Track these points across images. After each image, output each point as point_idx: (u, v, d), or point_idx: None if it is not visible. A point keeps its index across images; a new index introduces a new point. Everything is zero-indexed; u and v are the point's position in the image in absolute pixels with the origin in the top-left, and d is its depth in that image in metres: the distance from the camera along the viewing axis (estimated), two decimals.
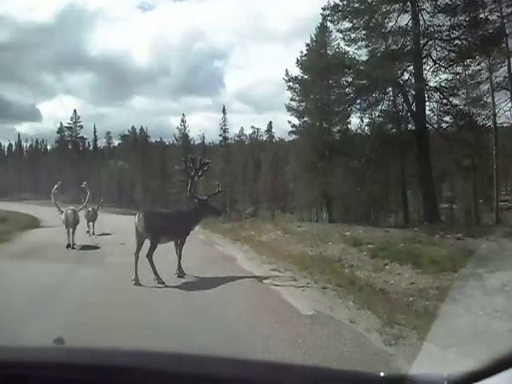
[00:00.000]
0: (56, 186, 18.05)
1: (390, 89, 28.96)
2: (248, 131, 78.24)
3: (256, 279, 10.41)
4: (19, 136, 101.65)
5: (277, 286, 9.61)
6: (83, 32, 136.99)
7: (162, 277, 9.93)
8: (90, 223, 20.09)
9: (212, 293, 9.03)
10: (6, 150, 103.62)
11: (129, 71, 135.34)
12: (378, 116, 29.90)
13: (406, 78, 28.27)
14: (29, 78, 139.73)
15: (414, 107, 27.64)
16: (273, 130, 76.10)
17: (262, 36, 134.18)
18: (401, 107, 29.07)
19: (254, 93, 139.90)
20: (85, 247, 15.82)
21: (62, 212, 16.58)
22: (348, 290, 9.00)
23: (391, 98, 29.55)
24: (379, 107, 29.87)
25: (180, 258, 10.84)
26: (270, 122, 77.41)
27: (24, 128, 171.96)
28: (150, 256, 10.06)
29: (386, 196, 36.92)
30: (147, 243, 10.28)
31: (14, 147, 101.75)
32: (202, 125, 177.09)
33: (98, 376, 1.69)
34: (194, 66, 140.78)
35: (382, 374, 1.95)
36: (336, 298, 8.54)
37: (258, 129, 77.04)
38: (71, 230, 15.94)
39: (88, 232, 19.72)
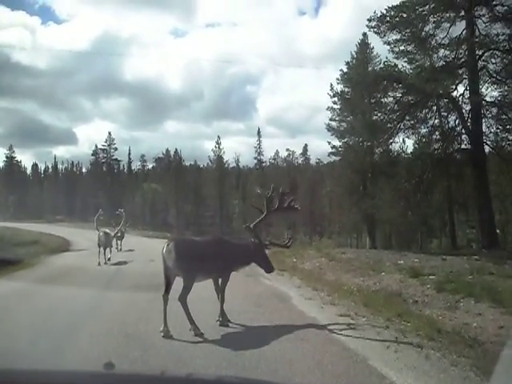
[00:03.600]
0: (99, 213, 21.02)
1: (441, 105, 26.95)
2: (282, 154, 77.17)
3: (325, 331, 7.91)
4: (55, 159, 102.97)
5: (356, 343, 7.12)
6: (118, 58, 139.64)
7: (198, 325, 7.65)
8: (119, 241, 23.68)
9: (270, 354, 6.47)
10: (42, 172, 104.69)
11: (162, 96, 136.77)
12: (429, 134, 27.74)
13: (461, 92, 26.08)
14: (66, 102, 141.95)
15: (469, 124, 25.43)
16: (308, 153, 74.90)
17: (294, 60, 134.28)
18: (453, 124, 26.93)
19: (287, 117, 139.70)
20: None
21: (98, 231, 19.11)
22: (442, 343, 6.90)
23: (442, 115, 27.51)
24: (428, 125, 27.89)
25: (223, 301, 8.54)
26: (306, 145, 76.98)
27: (60, 151, 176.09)
28: (183, 299, 7.69)
29: (436, 220, 34.85)
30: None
31: (50, 170, 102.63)
32: (235, 149, 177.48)
33: None
34: (226, 90, 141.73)
35: None
36: (444, 363, 6.22)
37: (293, 151, 75.88)
38: (104, 249, 18.30)
39: (116, 249, 22.70)
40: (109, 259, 18.27)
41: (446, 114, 27.52)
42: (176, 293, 7.82)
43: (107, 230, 19.31)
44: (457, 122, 26.58)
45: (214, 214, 66.35)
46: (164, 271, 8.04)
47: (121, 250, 23.58)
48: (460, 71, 25.63)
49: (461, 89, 26.06)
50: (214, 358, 6.30)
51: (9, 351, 6.34)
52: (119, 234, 22.52)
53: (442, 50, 25.96)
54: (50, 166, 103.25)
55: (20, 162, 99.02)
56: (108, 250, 18.56)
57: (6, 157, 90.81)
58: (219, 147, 69.47)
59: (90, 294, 11.29)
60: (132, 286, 12.46)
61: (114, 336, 7.52)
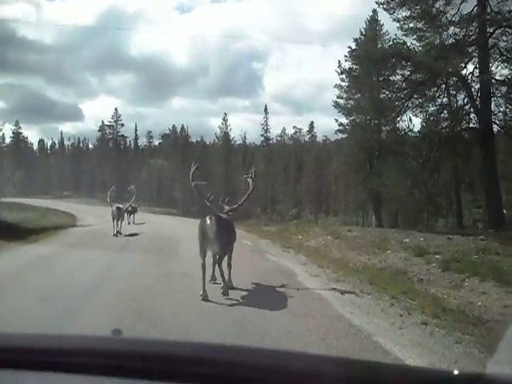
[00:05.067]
0: (111, 189, 22.66)
1: (450, 83, 26.65)
2: (289, 132, 76.82)
3: (330, 308, 7.91)
4: (62, 135, 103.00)
5: (361, 319, 7.09)
6: (123, 34, 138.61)
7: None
8: (131, 215, 25.90)
9: (274, 330, 6.41)
10: (48, 148, 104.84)
11: (168, 72, 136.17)
12: (437, 112, 27.46)
13: (470, 70, 25.75)
14: (72, 78, 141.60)
15: (478, 103, 25.16)
16: (314, 131, 74.58)
17: (300, 37, 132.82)
18: (462, 103, 26.64)
19: (293, 94, 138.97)
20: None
21: (112, 206, 20.62)
22: (447, 321, 6.90)
23: (451, 93, 27.20)
24: (437, 103, 27.62)
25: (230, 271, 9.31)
26: (312, 122, 76.62)
27: (66, 127, 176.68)
28: (221, 264, 8.78)
29: (442, 199, 34.68)
30: None
31: (56, 146, 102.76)
32: (241, 126, 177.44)
33: (157, 366, 1.66)
34: (232, 67, 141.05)
35: (456, 371, 1.78)
36: (448, 340, 6.22)
37: (299, 129, 75.53)
38: (117, 221, 19.97)
39: (128, 223, 24.44)
40: (119, 232, 19.86)
41: (454, 92, 27.19)
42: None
43: (120, 205, 20.91)
44: (465, 100, 26.25)
45: (219, 191, 66.33)
46: (202, 242, 8.83)
47: (134, 223, 25.83)
48: (470, 49, 25.23)
49: (470, 67, 25.73)
50: (219, 332, 6.35)
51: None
52: (130, 209, 24.73)
53: (452, 28, 25.48)
54: (56, 142, 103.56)
55: (26, 137, 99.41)
56: (120, 222, 20.23)
57: (13, 132, 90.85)
58: (226, 124, 69.29)
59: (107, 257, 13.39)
60: (143, 251, 14.45)
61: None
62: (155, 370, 1.67)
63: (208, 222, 8.83)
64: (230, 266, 9.33)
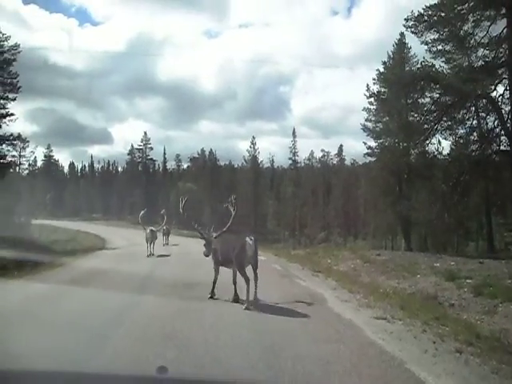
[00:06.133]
0: (142, 212, 22.88)
1: (479, 105, 26.46)
2: (316, 155, 76.64)
3: (361, 334, 7.82)
4: (92, 158, 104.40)
5: (393, 346, 6.97)
6: (152, 59, 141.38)
7: None
8: (165, 236, 27.40)
9: (306, 355, 6.40)
10: (79, 171, 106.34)
11: (196, 96, 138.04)
12: (467, 135, 27.26)
13: (500, 92, 25.56)
14: (101, 102, 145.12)
15: (508, 125, 24.91)
16: (343, 154, 74.34)
17: (327, 60, 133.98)
18: (492, 125, 26.39)
19: (320, 117, 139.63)
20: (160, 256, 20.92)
21: (145, 229, 21.52)
22: (481, 349, 6.73)
23: (480, 115, 26.99)
24: (466, 126, 27.44)
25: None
26: (341, 146, 76.31)
27: (96, 150, 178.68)
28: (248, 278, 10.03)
29: (472, 223, 34.18)
30: None
31: (86, 168, 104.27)
32: (268, 149, 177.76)
33: None
34: (260, 90, 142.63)
35: None
36: (484, 369, 6.04)
37: (327, 152, 75.29)
38: (151, 244, 21.21)
39: (163, 244, 26.22)
40: (152, 252, 21.18)
41: (484, 114, 27.06)
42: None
43: (153, 228, 22.09)
44: (496, 122, 26.14)
45: (248, 214, 66.36)
46: (245, 260, 10.18)
47: (168, 244, 27.37)
48: (500, 71, 25.15)
49: (500, 89, 25.69)
50: (251, 359, 6.24)
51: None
52: (165, 231, 26.80)
53: (482, 50, 25.58)
54: (86, 165, 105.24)
55: (57, 160, 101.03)
56: (153, 244, 21.48)
57: (45, 156, 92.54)
58: (254, 147, 69.48)
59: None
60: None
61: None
62: None
63: (250, 242, 10.23)
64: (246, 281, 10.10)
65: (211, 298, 10.40)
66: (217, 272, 10.67)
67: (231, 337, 7.42)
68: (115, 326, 7.96)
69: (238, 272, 10.23)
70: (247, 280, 9.94)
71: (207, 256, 10.68)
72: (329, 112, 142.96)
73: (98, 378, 1.98)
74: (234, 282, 10.42)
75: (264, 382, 1.77)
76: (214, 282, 10.56)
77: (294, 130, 74.14)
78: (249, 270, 10.28)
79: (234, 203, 11.20)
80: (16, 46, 32.48)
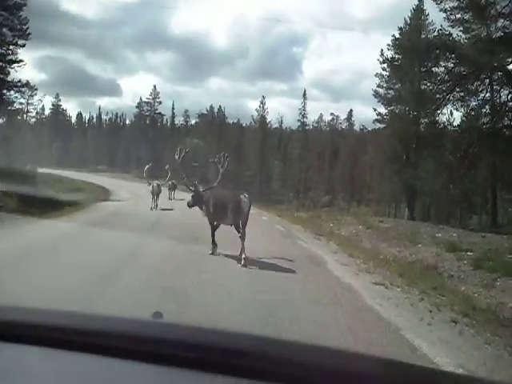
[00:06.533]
0: (147, 166, 22.55)
1: (494, 78, 26.10)
2: (326, 118, 76.23)
3: (359, 298, 7.88)
4: (100, 109, 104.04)
5: (390, 312, 7.02)
6: (165, 12, 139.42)
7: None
8: (172, 191, 27.90)
9: (303, 317, 6.50)
10: (86, 122, 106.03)
11: (207, 52, 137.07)
12: (479, 107, 26.98)
13: None
14: (111, 54, 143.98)
15: None
16: (352, 119, 73.88)
17: (341, 23, 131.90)
18: (505, 98, 26.09)
19: (332, 80, 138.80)
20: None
21: (150, 184, 21.88)
22: (476, 321, 6.79)
23: (494, 88, 26.64)
24: (479, 98, 27.13)
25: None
26: (351, 110, 75.85)
27: (104, 102, 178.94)
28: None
29: (477, 196, 34.10)
30: None
31: (94, 120, 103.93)
32: (278, 109, 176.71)
33: (197, 353, 1.65)
34: (272, 50, 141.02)
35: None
36: (477, 340, 6.12)
37: (337, 116, 74.86)
38: (155, 197, 21.81)
39: (169, 198, 26.92)
40: (156, 205, 21.85)
41: (498, 87, 26.72)
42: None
43: (159, 182, 22.50)
44: (509, 96, 25.83)
45: (253, 174, 66.39)
46: (244, 216, 10.44)
47: (174, 198, 27.35)
48: None
49: None
50: (248, 317, 6.33)
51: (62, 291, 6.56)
52: (171, 186, 27.32)
53: (502, 20, 25.01)
54: (94, 116, 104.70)
55: (65, 110, 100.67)
56: (157, 198, 22.00)
57: (52, 104, 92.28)
58: (263, 107, 69.06)
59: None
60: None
61: None
62: (198, 359, 1.65)
63: (245, 199, 10.46)
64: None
65: (212, 254, 10.58)
66: (213, 227, 10.94)
67: (229, 293, 7.50)
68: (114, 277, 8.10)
69: (236, 228, 10.49)
70: (243, 236, 10.23)
71: (190, 207, 11.53)
72: (340, 75, 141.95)
73: (95, 318, 2.01)
74: (213, 235, 10.87)
75: (255, 337, 1.77)
76: (212, 236, 10.83)
77: (304, 91, 73.92)
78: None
79: (223, 161, 11.55)
80: None
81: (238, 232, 10.34)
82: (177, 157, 12.03)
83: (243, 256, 9.82)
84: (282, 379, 1.54)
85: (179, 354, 1.65)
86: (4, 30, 31.90)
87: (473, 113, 27.52)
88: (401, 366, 1.89)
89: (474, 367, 5.05)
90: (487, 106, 26.87)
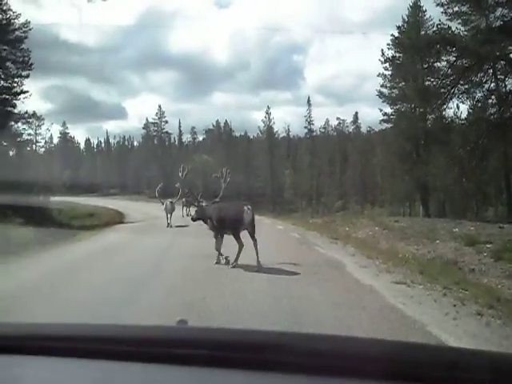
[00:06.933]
0: (159, 186, 24.07)
1: (497, 67, 25.98)
2: (332, 123, 76.16)
3: (381, 298, 7.82)
4: (107, 133, 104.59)
5: (414, 310, 6.98)
6: (163, 32, 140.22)
7: None
8: (185, 208, 26.53)
9: (327, 321, 6.51)
10: (95, 147, 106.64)
11: (208, 67, 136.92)
12: (485, 98, 26.85)
13: None
14: (114, 78, 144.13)
15: None
16: (358, 121, 73.76)
17: (340, 27, 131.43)
18: (511, 87, 26.01)
19: (335, 85, 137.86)
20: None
21: (163, 203, 22.52)
22: (502, 311, 6.72)
23: (499, 78, 26.51)
24: (484, 89, 27.01)
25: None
26: (356, 113, 75.59)
27: (110, 126, 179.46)
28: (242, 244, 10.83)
29: (491, 187, 33.82)
30: None
31: (102, 144, 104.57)
32: (283, 119, 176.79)
33: (224, 352, 1.67)
34: (272, 60, 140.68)
35: None
36: (505, 330, 6.07)
37: (343, 120, 74.75)
38: (169, 215, 22.31)
39: (183, 215, 25.96)
40: (170, 223, 22.11)
41: (503, 77, 26.57)
42: None
43: (171, 200, 22.42)
44: None
45: (264, 185, 66.38)
46: (240, 227, 10.84)
47: (188, 215, 27.03)
48: None
49: None
50: (270, 324, 6.25)
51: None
52: (185, 203, 26.40)
53: (500, 9, 24.89)
54: (102, 141, 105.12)
55: (73, 137, 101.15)
56: (171, 215, 22.38)
57: (60, 133, 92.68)
58: (269, 117, 69.12)
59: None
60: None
61: None
62: (224, 358, 1.66)
63: (247, 210, 10.90)
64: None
65: (217, 263, 11.08)
66: (218, 239, 11.30)
67: (251, 303, 7.48)
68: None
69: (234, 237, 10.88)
70: (241, 245, 10.76)
71: (194, 220, 12.20)
72: (343, 79, 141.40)
73: (123, 327, 2.07)
74: (218, 247, 11.25)
75: (278, 332, 1.87)
76: (218, 250, 11.22)
77: (308, 98, 74.12)
78: (247, 236, 11.00)
79: (225, 175, 12.28)
80: (27, 23, 32.40)
81: (236, 239, 10.81)
82: (180, 174, 12.85)
83: (259, 262, 10.36)
84: (301, 369, 1.56)
85: (206, 354, 1.67)
86: (7, 63, 32.31)
87: (479, 104, 27.39)
88: (410, 346, 1.95)
89: None
90: (493, 97, 26.75)
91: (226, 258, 11.09)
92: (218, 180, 12.56)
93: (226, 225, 11.05)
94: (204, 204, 11.92)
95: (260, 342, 1.73)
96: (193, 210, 26.94)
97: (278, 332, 2.06)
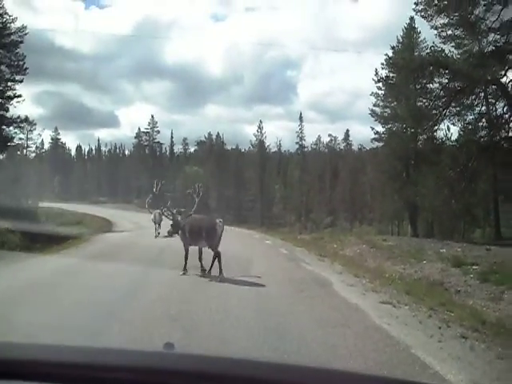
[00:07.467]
0: (150, 196, 21.73)
1: (489, 91, 26.24)
2: (324, 140, 76.53)
3: (367, 318, 7.78)
4: (99, 141, 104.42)
5: (399, 330, 6.96)
6: (159, 42, 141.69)
7: None
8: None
9: (311, 339, 6.44)
10: (86, 154, 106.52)
11: (202, 80, 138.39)
12: (475, 121, 27.06)
13: (511, 78, 25.22)
14: (108, 86, 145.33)
15: None
16: (350, 139, 74.12)
17: (334, 45, 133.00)
18: (501, 111, 26.18)
19: (328, 102, 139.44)
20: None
21: (152, 213, 21.01)
22: (487, 335, 6.72)
23: (489, 101, 26.77)
24: (475, 112, 27.24)
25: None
26: (347, 131, 76.09)
27: (102, 134, 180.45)
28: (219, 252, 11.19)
29: (479, 209, 33.97)
30: None
31: (93, 152, 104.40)
32: (275, 133, 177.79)
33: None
34: (266, 74, 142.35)
35: None
36: (489, 355, 5.98)
37: (335, 137, 75.11)
38: (157, 225, 21.99)
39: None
40: (159, 233, 21.82)
41: (493, 100, 26.81)
42: None
43: (159, 211, 21.99)
44: (505, 109, 25.89)
45: (254, 199, 66.34)
46: (217, 238, 11.34)
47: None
48: (510, 56, 24.77)
49: (511, 75, 25.28)
50: (255, 341, 6.27)
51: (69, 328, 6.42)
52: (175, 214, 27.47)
53: (492, 35, 25.18)
54: (93, 148, 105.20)
55: (64, 143, 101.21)
56: (159, 226, 21.85)
57: (52, 138, 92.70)
58: (261, 131, 69.27)
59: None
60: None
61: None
62: None
63: (219, 223, 11.59)
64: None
65: (184, 274, 11.32)
66: (186, 249, 11.70)
67: (236, 318, 7.45)
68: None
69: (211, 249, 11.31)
70: (219, 255, 11.08)
71: (170, 235, 12.58)
72: (336, 97, 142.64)
73: (106, 351, 2.00)
74: (200, 259, 11.58)
75: (266, 363, 1.80)
76: (186, 259, 11.59)
77: (300, 114, 74.07)
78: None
79: (197, 191, 12.77)
80: (23, 27, 32.55)
81: (213, 251, 11.21)
82: (154, 189, 13.36)
83: (221, 272, 10.87)
84: None
85: None
86: (2, 67, 32.32)
87: (470, 127, 27.60)
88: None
89: (488, 383, 4.99)
90: (484, 120, 26.95)
91: (204, 270, 11.42)
92: (191, 195, 13.09)
93: (198, 237, 11.43)
94: (179, 218, 12.25)
95: (250, 375, 1.72)
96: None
97: (270, 363, 2.00)
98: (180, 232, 12.02)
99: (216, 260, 11.11)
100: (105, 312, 7.58)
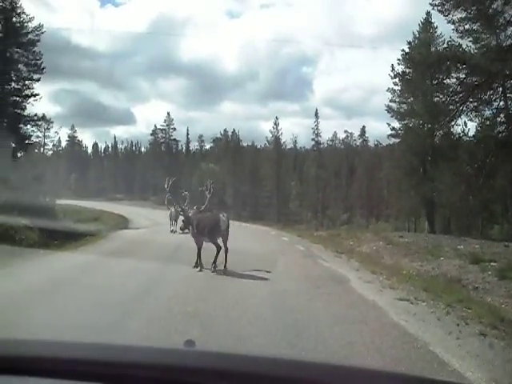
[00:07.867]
0: (168, 195, 22.27)
1: (507, 86, 25.92)
2: (340, 136, 76.17)
3: (384, 315, 7.79)
4: (115, 138, 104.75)
5: (417, 327, 6.91)
6: (174, 39, 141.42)
7: None
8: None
9: (328, 336, 6.44)
10: (102, 151, 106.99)
11: (218, 76, 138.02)
12: (493, 116, 26.79)
13: None
14: (124, 83, 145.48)
15: None
16: (366, 135, 73.75)
17: (350, 41, 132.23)
18: None
19: (343, 98, 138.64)
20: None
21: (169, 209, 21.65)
22: (506, 332, 6.64)
23: (508, 96, 26.48)
24: (493, 107, 26.97)
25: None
26: (364, 127, 75.67)
27: (118, 131, 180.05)
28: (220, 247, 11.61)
29: (497, 205, 33.62)
30: None
31: (109, 149, 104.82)
32: (291, 130, 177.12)
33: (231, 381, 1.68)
34: (282, 71, 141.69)
35: None
36: (508, 353, 5.97)
37: (351, 133, 74.76)
38: (173, 221, 22.79)
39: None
40: (174, 230, 22.31)
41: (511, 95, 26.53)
42: None
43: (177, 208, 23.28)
44: None
45: (270, 195, 66.26)
46: (219, 233, 11.72)
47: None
48: None
49: None
50: (273, 338, 6.26)
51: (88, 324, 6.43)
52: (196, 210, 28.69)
53: (510, 28, 24.87)
54: (109, 146, 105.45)
55: (81, 141, 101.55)
56: (176, 222, 22.14)
57: (68, 136, 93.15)
58: (277, 128, 69.10)
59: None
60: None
61: None
62: None
63: (224, 217, 11.93)
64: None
65: (196, 267, 11.65)
66: (198, 245, 11.93)
67: (254, 315, 7.45)
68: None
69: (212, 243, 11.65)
70: (219, 248, 11.50)
71: (182, 230, 13.46)
72: (351, 93, 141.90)
73: (125, 348, 2.02)
74: (198, 255, 11.84)
75: (285, 360, 1.80)
76: (198, 255, 11.84)
77: (316, 110, 74.16)
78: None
79: (209, 187, 13.00)
80: (39, 26, 32.76)
81: (215, 245, 11.55)
82: (166, 186, 13.64)
83: (225, 266, 11.44)
84: None
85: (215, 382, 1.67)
86: (20, 65, 32.61)
87: (487, 122, 27.30)
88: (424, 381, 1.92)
89: (507, 381, 4.94)
90: (502, 115, 26.65)
91: (215, 267, 11.51)
92: (203, 192, 13.41)
93: (204, 232, 11.76)
94: (190, 214, 12.61)
95: (268, 373, 1.72)
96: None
97: (288, 360, 1.99)
98: (190, 228, 12.34)
99: (217, 254, 11.46)
100: (123, 310, 7.60)
